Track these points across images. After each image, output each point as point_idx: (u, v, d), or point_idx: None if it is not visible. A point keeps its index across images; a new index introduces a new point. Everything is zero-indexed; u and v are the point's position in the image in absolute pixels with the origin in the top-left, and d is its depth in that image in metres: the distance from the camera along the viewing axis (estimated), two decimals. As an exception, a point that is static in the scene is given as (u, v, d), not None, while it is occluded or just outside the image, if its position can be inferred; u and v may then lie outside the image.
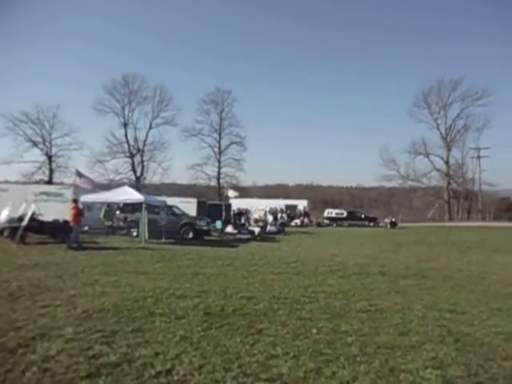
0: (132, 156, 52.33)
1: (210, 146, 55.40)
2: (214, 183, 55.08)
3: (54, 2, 78.56)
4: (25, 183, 38.84)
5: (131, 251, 12.48)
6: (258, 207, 38.36)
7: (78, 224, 13.34)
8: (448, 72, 79.03)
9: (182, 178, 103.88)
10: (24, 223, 11.87)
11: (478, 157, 49.08)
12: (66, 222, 14.29)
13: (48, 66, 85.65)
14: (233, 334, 4.85)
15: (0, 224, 15.66)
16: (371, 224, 38.20)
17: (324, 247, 18.30)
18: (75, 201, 13.94)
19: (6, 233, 15.22)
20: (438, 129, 51.90)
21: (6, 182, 34.39)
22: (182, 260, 11.09)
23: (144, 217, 15.41)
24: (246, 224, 23.86)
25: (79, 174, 19.38)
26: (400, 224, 38.37)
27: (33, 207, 12.43)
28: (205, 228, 18.74)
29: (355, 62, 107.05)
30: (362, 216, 39.31)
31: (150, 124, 53.47)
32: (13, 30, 71.60)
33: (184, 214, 19.35)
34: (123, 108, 52.56)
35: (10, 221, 14.48)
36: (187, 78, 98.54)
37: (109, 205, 18.34)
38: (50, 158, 51.77)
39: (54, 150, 51.97)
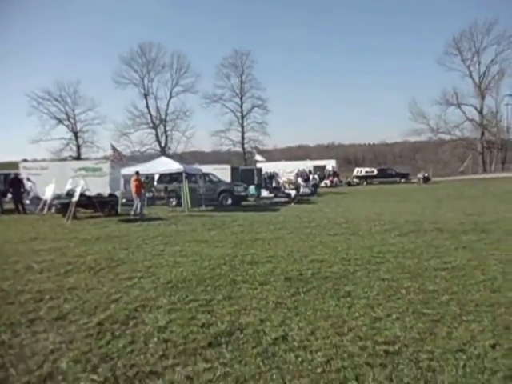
0: (155, 126, 52.40)
1: (232, 111, 54.80)
2: (238, 148, 54.80)
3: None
4: (63, 160, 39.62)
5: (180, 220, 12.63)
6: (286, 170, 38.15)
7: (140, 195, 13.98)
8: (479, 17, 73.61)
9: (205, 145, 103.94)
10: (75, 199, 12.10)
11: (515, 103, 46.43)
12: (111, 195, 14.56)
13: (65, 43, 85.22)
14: (323, 297, 4.81)
15: (47, 200, 16.18)
16: (403, 180, 37.50)
17: (364, 206, 18.07)
18: (137, 173, 14.42)
19: (54, 209, 15.74)
20: (471, 76, 49.18)
21: (43, 160, 35.18)
22: (233, 226, 11.13)
23: (185, 186, 15.48)
24: (282, 187, 23.73)
25: (114, 149, 19.48)
26: (432, 179, 37.43)
27: (82, 183, 12.63)
28: (243, 194, 18.76)
29: (376, 21, 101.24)
30: (393, 173, 38.53)
31: (170, 93, 53.09)
32: (30, 9, 70.84)
33: (221, 181, 19.37)
34: (142, 78, 52.22)
35: (59, 197, 14.87)
36: (203, 45, 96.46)
37: (147, 176, 18.54)
38: (75, 134, 52.58)
39: (78, 126, 52.76)
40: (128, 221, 12.61)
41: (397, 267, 6.34)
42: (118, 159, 18.41)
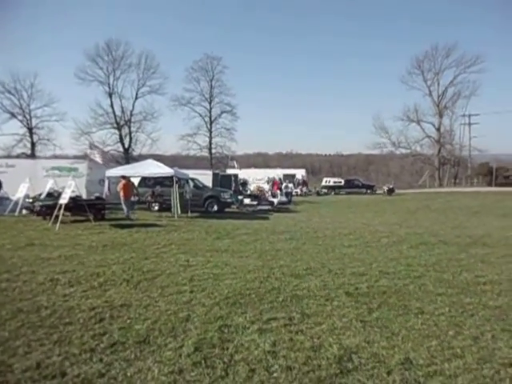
0: (119, 127, 50.26)
1: (200, 115, 54.00)
2: (205, 153, 54.00)
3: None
4: (34, 158, 36.64)
5: (178, 227, 12.01)
6: (256, 177, 38.13)
7: (129, 199, 14.10)
8: (442, 36, 78.47)
9: (170, 149, 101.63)
10: (64, 201, 11.09)
11: (469, 123, 50.05)
12: (98, 198, 13.61)
13: (27, 33, 79.62)
14: (400, 314, 4.66)
15: (19, 201, 14.79)
16: (368, 191, 38.74)
17: (348, 217, 18.40)
18: (124, 177, 14.32)
19: (24, 210, 14.41)
20: (431, 95, 52.36)
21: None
22: (240, 235, 10.76)
23: (176, 191, 14.83)
24: (264, 195, 23.56)
25: (92, 147, 18.34)
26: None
27: (73, 184, 11.61)
28: (229, 200, 18.35)
29: (341, 43, 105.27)
30: (360, 184, 39.76)
31: (137, 93, 51.29)
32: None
33: (206, 187, 18.84)
34: (108, 76, 49.93)
35: (34, 198, 13.66)
36: (174, 47, 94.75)
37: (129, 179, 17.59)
38: (30, 130, 49.10)
39: (34, 122, 49.31)
40: (121, 226, 11.78)
41: (437, 281, 6.37)
42: (100, 156, 17.36)
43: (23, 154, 47.19)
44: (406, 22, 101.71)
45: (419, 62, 52.57)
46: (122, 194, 13.92)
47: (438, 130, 51.52)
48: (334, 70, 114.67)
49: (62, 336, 3.69)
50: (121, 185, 14.18)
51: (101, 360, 3.24)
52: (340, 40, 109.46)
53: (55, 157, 41.15)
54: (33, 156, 45.65)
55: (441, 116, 51.48)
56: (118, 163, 33.58)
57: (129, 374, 3.02)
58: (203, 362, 3.25)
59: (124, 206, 13.97)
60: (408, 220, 17.20)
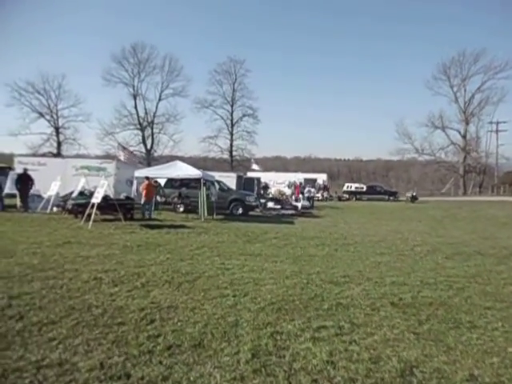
0: (142, 128, 51.06)
1: (222, 117, 54.35)
2: (225, 155, 54.27)
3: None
4: (61, 157, 37.65)
5: (207, 230, 12.06)
6: (277, 181, 38.09)
7: (151, 200, 14.32)
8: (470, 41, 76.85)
9: (192, 150, 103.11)
10: (97, 200, 11.29)
11: (497, 130, 48.75)
12: (128, 198, 13.82)
13: (56, 38, 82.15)
14: (451, 328, 4.51)
15: (51, 199, 15.15)
16: (391, 198, 38.12)
17: (375, 223, 18.10)
18: (148, 178, 14.55)
19: (56, 208, 14.75)
20: (457, 102, 51.20)
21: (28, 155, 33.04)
22: (270, 239, 10.72)
23: (203, 193, 14.92)
24: (288, 199, 23.50)
25: (122, 148, 18.65)
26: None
27: (106, 184, 11.82)
28: (253, 204, 18.34)
29: (366, 45, 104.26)
30: (382, 190, 39.20)
31: (160, 95, 52.06)
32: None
33: (231, 190, 18.90)
34: (132, 78, 50.91)
35: (66, 196, 13.97)
36: (198, 48, 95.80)
37: (156, 180, 17.81)
38: (57, 129, 50.42)
39: (60, 122, 50.64)
40: (151, 227, 11.91)
41: (482, 294, 6.17)
42: (129, 157, 17.62)
43: (50, 152, 48.47)
44: (428, 24, 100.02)
45: (445, 67, 51.61)
46: (144, 194, 14.13)
47: (464, 137, 50.34)
48: (354, 71, 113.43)
49: (118, 336, 3.71)
50: (144, 185, 14.37)
51: (160, 362, 3.24)
52: (365, 41, 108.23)
53: (78, 156, 42.16)
54: (59, 155, 46.83)
55: (467, 123, 50.30)
56: (140, 164, 34.12)
57: (191, 379, 3.01)
58: (263, 369, 3.21)
59: (143, 207, 14.27)
60: (436, 229, 16.80)
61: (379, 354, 3.63)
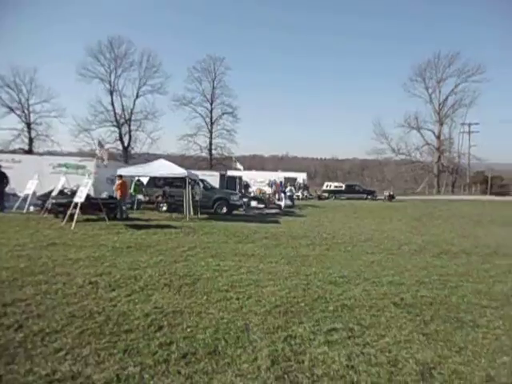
0: (119, 125, 49.85)
1: (201, 115, 53.80)
2: (204, 154, 53.80)
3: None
4: (41, 154, 36.07)
5: (194, 230, 11.85)
6: (257, 179, 38.12)
7: (125, 199, 13.93)
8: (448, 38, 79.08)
9: (171, 148, 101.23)
10: (81, 199, 10.88)
11: (469, 132, 50.48)
12: (111, 197, 13.42)
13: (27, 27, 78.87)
14: (456, 328, 4.57)
15: (28, 198, 14.52)
16: (369, 197, 38.79)
17: (355, 222, 18.36)
18: (121, 176, 13.87)
19: (33, 208, 14.16)
20: (432, 103, 52.73)
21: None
22: (260, 239, 10.65)
23: (188, 192, 14.68)
24: (273, 198, 23.48)
25: (101, 145, 18.11)
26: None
27: (90, 182, 11.40)
28: (238, 203, 18.21)
29: (341, 42, 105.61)
30: (361, 189, 39.84)
31: (138, 91, 50.98)
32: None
33: (215, 189, 18.69)
34: (109, 74, 49.58)
35: (45, 195, 13.42)
36: (176, 45, 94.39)
37: (139, 179, 17.41)
38: (28, 125, 48.49)
39: (32, 117, 48.70)
40: (137, 227, 11.59)
41: (475, 292, 6.31)
42: (107, 155, 17.12)
43: (21, 149, 46.60)
44: (406, 23, 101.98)
45: (421, 69, 53.08)
46: (118, 193, 13.52)
47: (438, 137, 51.96)
48: (330, 70, 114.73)
49: (128, 345, 3.54)
50: (118, 184, 13.77)
51: (179, 372, 3.10)
52: (341, 39, 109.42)
53: (50, 153, 40.70)
54: (30, 152, 45.10)
55: (441, 124, 51.94)
56: (117, 161, 33.28)
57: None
58: (286, 376, 3.13)
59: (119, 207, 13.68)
60: (417, 227, 17.18)
61: (395, 357, 3.62)
